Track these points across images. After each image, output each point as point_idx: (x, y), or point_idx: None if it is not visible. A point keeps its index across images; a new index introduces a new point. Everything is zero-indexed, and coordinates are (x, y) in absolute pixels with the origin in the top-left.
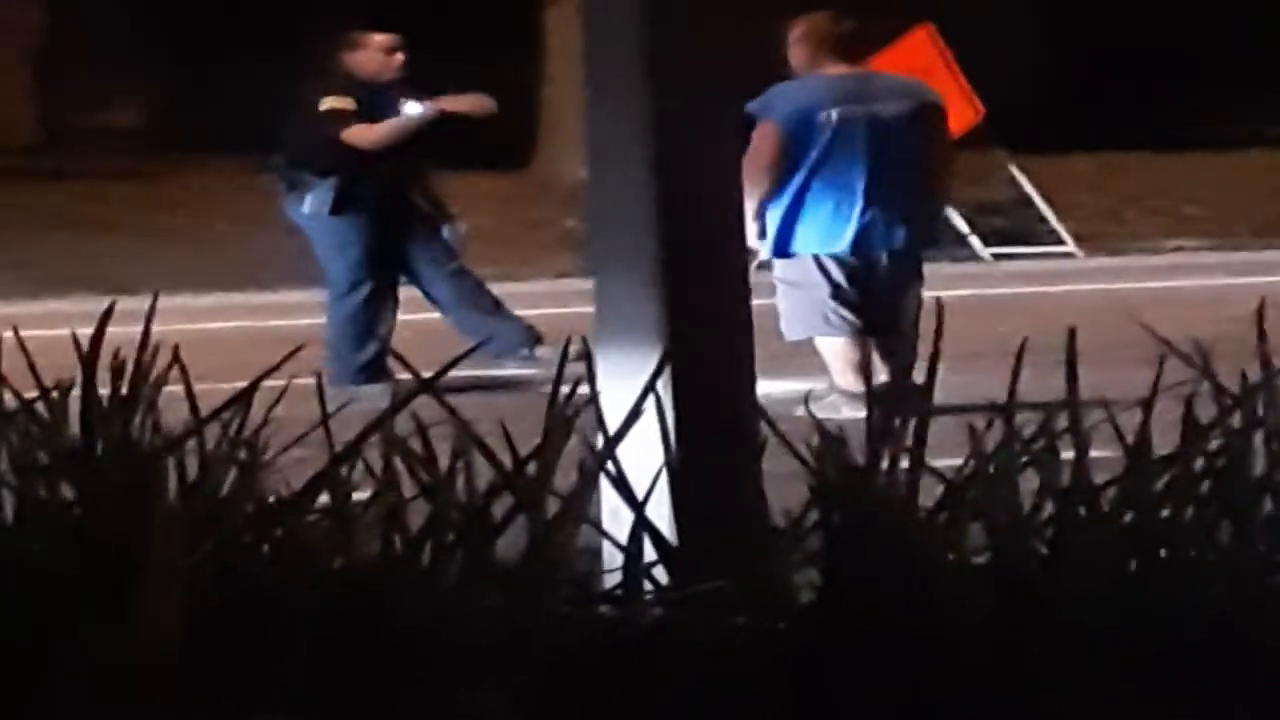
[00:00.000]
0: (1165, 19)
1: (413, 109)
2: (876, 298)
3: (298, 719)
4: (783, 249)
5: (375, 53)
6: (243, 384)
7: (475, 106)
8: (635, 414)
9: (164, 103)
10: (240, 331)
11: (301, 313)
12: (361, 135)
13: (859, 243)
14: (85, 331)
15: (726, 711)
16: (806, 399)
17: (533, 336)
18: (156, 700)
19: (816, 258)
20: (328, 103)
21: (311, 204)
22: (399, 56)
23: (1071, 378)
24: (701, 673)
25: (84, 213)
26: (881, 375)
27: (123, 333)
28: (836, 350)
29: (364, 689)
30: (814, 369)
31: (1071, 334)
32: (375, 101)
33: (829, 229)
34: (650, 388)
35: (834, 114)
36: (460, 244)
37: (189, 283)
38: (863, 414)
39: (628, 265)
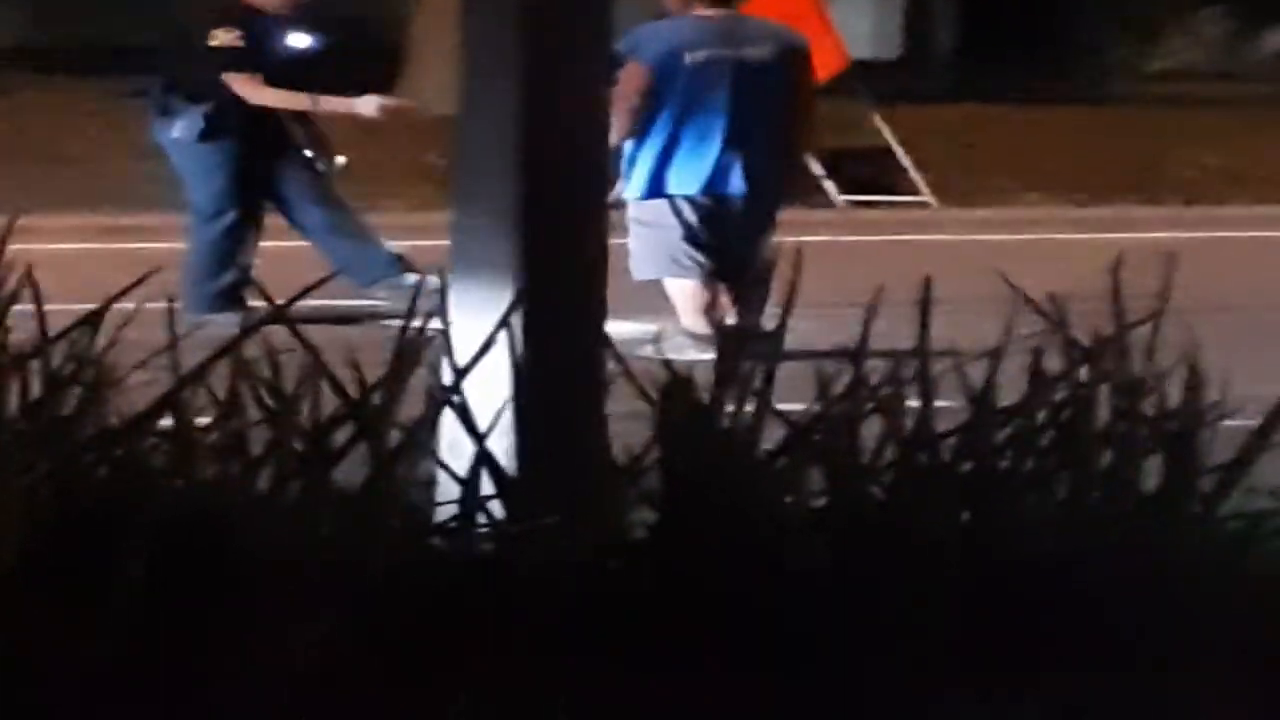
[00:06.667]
0: None
1: (300, 40)
2: (729, 241)
3: (129, 638)
4: (642, 189)
5: None
6: (94, 306)
7: (388, 111)
8: (485, 348)
9: (23, 20)
10: (94, 253)
11: (159, 236)
12: (246, 89)
13: (713, 184)
14: None
15: (552, 646)
16: (655, 339)
17: (403, 265)
18: None
19: (671, 199)
20: (216, 36)
21: (181, 129)
22: None
23: (922, 327)
24: (528, 606)
25: None
26: (731, 319)
27: None
28: (685, 292)
29: (196, 609)
30: (663, 310)
31: (925, 283)
32: (264, 32)
33: (686, 170)
34: (503, 323)
35: (701, 56)
36: (332, 175)
37: (44, 202)
38: (711, 356)
39: (487, 200)
